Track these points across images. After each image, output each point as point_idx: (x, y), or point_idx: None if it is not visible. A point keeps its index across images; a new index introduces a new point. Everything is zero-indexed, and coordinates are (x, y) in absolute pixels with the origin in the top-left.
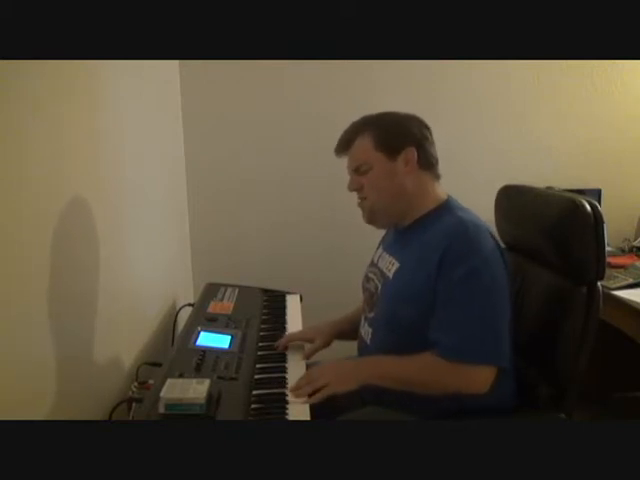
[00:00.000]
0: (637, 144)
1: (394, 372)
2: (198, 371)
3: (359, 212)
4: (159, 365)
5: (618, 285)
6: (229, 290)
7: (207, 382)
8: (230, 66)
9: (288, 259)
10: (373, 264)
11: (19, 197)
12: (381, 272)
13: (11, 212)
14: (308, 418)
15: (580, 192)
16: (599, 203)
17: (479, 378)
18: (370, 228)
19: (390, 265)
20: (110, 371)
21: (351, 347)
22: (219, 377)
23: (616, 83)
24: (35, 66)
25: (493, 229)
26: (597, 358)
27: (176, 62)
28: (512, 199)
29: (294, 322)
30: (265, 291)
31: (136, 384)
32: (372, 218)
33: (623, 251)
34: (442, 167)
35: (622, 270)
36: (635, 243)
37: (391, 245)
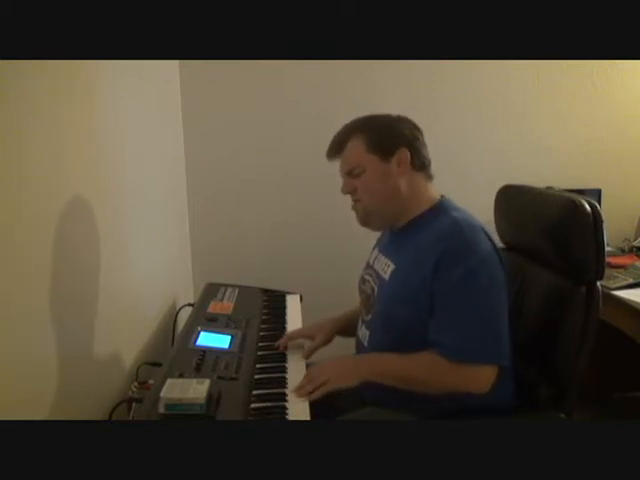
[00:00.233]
0: (637, 144)
1: (395, 369)
2: (198, 371)
3: None
4: (159, 365)
5: (618, 285)
6: (229, 290)
7: (207, 382)
8: (230, 66)
9: (288, 259)
10: (369, 266)
11: (19, 197)
12: (377, 274)
13: (11, 212)
14: (308, 418)
15: (580, 192)
16: (599, 203)
17: (480, 378)
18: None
19: (386, 267)
20: (110, 371)
21: (351, 345)
22: (219, 377)
23: (616, 83)
24: (35, 66)
25: (490, 228)
26: (597, 358)
27: (176, 62)
28: (512, 199)
29: (294, 322)
30: (265, 291)
31: (136, 384)
32: (366, 220)
33: (623, 251)
34: (442, 167)
35: (622, 270)
36: (635, 243)
37: (386, 246)
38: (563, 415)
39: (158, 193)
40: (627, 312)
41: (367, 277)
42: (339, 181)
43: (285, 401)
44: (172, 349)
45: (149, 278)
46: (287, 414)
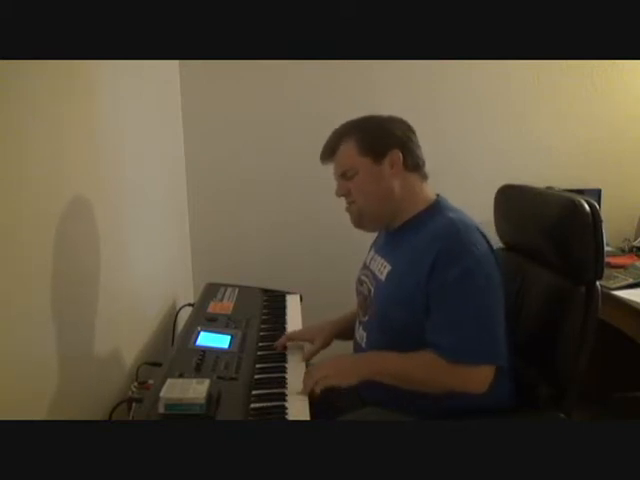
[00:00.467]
0: (637, 144)
1: (393, 368)
2: (198, 371)
3: None
4: (159, 365)
5: (618, 285)
6: (229, 290)
7: (207, 382)
8: (230, 66)
9: (288, 259)
10: (365, 266)
11: (19, 197)
12: (373, 275)
13: (11, 212)
14: (308, 418)
15: (580, 192)
16: (599, 203)
17: (478, 378)
18: None
19: (382, 267)
20: (110, 371)
21: (349, 348)
22: (219, 377)
23: (616, 83)
24: (35, 66)
25: (489, 228)
26: (597, 358)
27: (176, 62)
28: (511, 199)
29: (294, 322)
30: (265, 291)
31: (136, 384)
32: (360, 222)
33: (623, 251)
34: (442, 167)
35: (622, 270)
36: (635, 243)
37: (382, 247)
38: (563, 415)
39: (158, 193)
40: (627, 312)
41: (364, 278)
42: None
43: (285, 401)
44: (172, 349)
45: (149, 278)
46: (287, 414)
